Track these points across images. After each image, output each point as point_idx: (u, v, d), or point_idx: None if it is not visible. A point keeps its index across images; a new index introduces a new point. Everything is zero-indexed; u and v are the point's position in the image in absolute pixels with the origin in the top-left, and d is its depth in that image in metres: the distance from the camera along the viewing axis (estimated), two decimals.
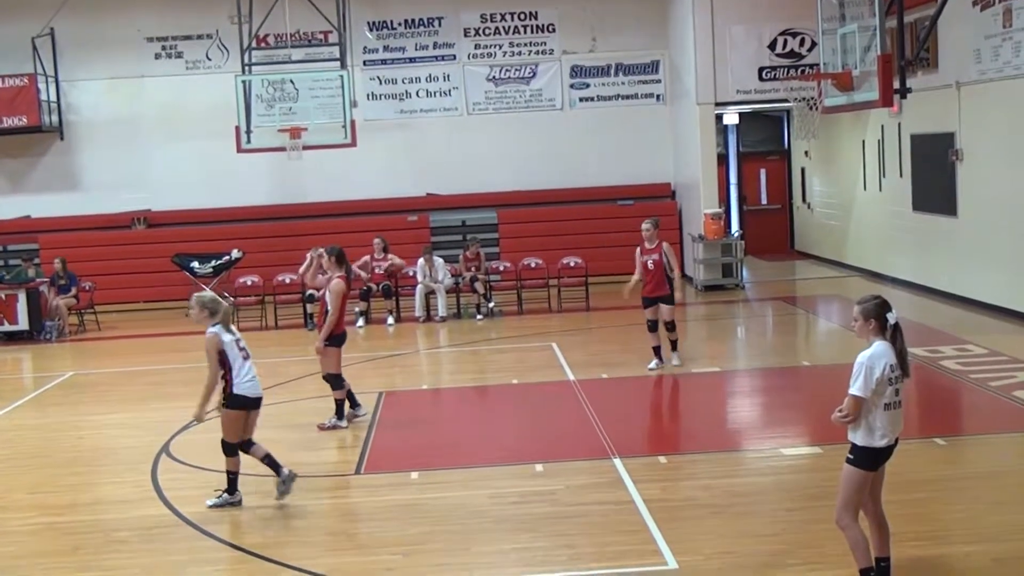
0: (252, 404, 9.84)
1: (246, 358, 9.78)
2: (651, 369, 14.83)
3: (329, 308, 12.33)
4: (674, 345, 14.96)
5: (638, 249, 14.78)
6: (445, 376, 16.49)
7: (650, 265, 14.60)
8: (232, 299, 21.41)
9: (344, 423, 12.53)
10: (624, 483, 9.94)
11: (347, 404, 12.69)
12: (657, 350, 14.90)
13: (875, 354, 7.06)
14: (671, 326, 14.79)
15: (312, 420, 12.73)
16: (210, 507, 9.81)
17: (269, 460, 9.97)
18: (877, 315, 7.12)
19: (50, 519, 9.91)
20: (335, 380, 12.54)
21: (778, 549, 8.20)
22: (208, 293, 10.19)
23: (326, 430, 12.44)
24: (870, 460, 7.10)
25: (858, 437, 7.10)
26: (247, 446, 9.96)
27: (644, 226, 14.75)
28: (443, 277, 20.50)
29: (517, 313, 20.82)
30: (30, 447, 12.67)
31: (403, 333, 19.54)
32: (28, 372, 18.50)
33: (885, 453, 7.14)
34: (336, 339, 12.46)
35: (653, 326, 14.83)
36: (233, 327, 9.95)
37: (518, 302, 21.25)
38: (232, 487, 9.92)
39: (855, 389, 7.02)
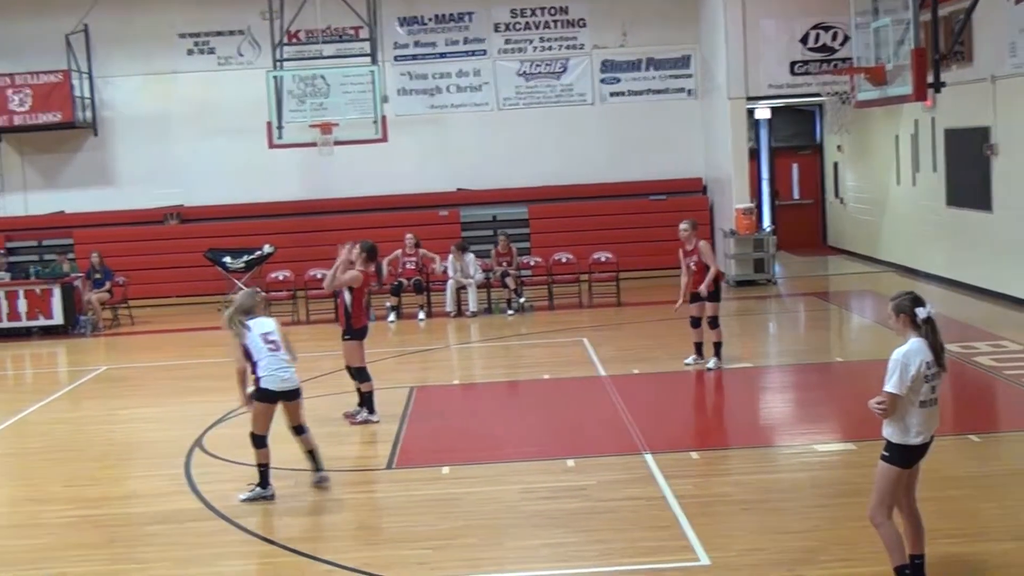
0: (277, 397, 9.81)
1: (273, 351, 9.76)
2: (687, 364, 14.77)
3: (348, 301, 12.37)
4: (716, 349, 14.63)
5: (680, 251, 14.71)
6: (476, 371, 16.50)
7: (692, 267, 14.54)
8: (264, 293, 21.49)
9: (375, 417, 12.54)
10: (655, 479, 9.92)
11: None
12: (698, 346, 14.82)
13: (910, 351, 7.00)
14: (713, 322, 14.56)
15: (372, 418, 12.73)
16: (242, 501, 9.84)
17: (312, 455, 9.98)
18: (907, 309, 7.05)
19: (84, 512, 9.98)
20: (359, 373, 12.53)
21: (811, 545, 8.16)
22: (243, 292, 10.32)
23: (357, 424, 12.46)
24: (905, 457, 7.05)
25: (893, 434, 7.05)
26: (299, 431, 9.99)
27: (681, 227, 14.65)
28: (474, 272, 20.50)
29: (548, 308, 20.81)
30: (65, 440, 12.76)
31: (434, 328, 19.56)
32: (63, 366, 18.65)
33: (920, 451, 7.08)
34: (357, 332, 12.46)
35: (695, 323, 14.75)
36: (264, 320, 9.96)
37: (549, 297, 21.22)
38: (264, 480, 9.93)
39: (890, 386, 6.96)
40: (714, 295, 14.53)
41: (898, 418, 7.00)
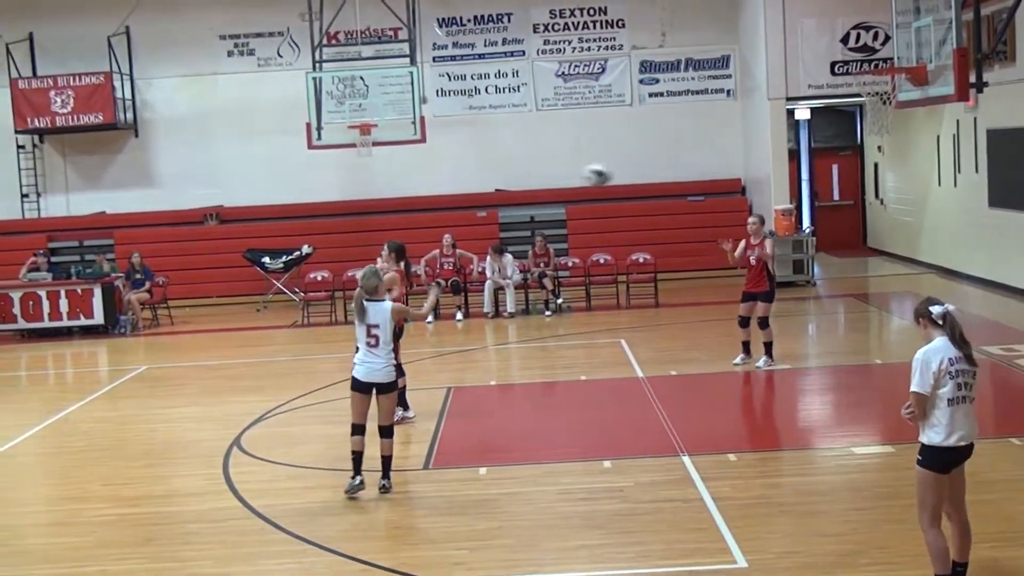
0: (355, 386, 9.89)
1: (372, 346, 9.82)
2: (735, 364, 14.70)
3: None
4: (767, 348, 14.55)
5: (743, 242, 14.55)
6: (513, 372, 16.49)
7: (752, 260, 14.40)
8: (302, 294, 21.61)
9: (412, 413, 12.56)
10: (693, 480, 9.88)
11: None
12: (746, 345, 14.75)
13: (931, 348, 6.97)
14: (764, 323, 14.47)
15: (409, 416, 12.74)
16: (382, 492, 9.91)
17: (357, 457, 9.95)
18: (924, 312, 7.08)
19: (124, 511, 10.05)
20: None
21: (849, 549, 8.10)
22: (367, 270, 10.24)
23: (396, 423, 12.44)
24: (938, 461, 6.95)
25: (924, 436, 7.00)
26: (355, 430, 9.97)
27: (750, 220, 14.59)
28: (512, 273, 20.50)
29: (585, 309, 20.78)
30: (104, 440, 12.86)
31: (471, 329, 19.58)
32: (103, 366, 18.80)
33: (954, 454, 6.96)
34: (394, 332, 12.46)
35: (744, 322, 14.68)
36: (382, 306, 9.94)
37: (586, 298, 21.20)
38: (385, 470, 10.02)
39: (914, 385, 6.94)
40: (768, 295, 14.45)
41: (929, 420, 6.95)
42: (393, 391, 10.11)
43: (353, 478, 9.91)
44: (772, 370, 14.45)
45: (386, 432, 10.03)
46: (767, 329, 14.52)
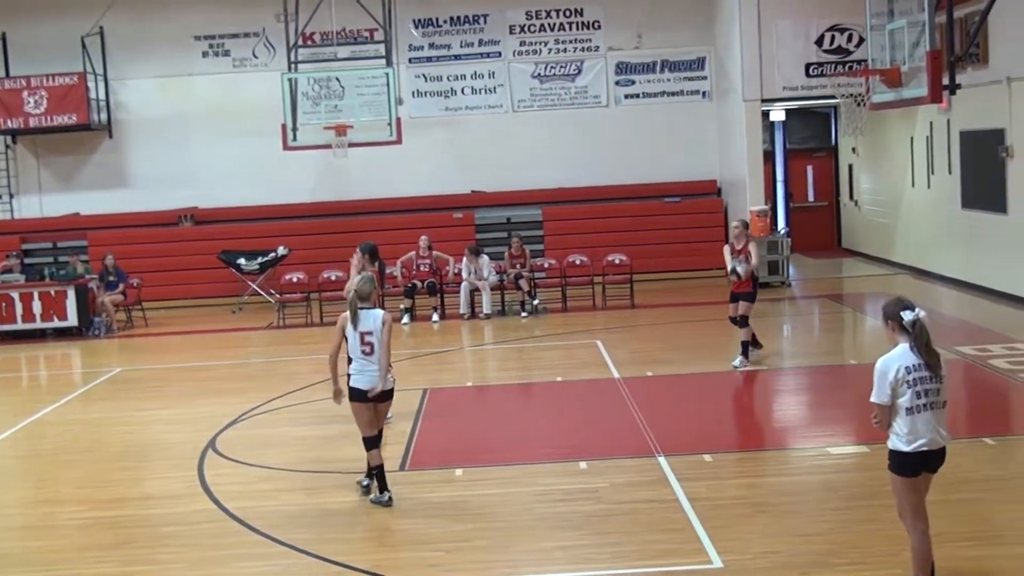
0: (363, 396, 9.64)
1: (367, 354, 9.56)
2: (735, 366, 14.74)
3: None
4: (743, 348, 14.72)
5: (727, 247, 14.70)
6: (489, 373, 16.49)
7: (742, 272, 14.50)
8: (278, 295, 21.55)
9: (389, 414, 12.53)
10: (669, 481, 9.90)
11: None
12: (744, 345, 14.89)
13: (889, 357, 6.91)
14: (743, 321, 14.65)
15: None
16: (372, 503, 9.71)
17: (379, 471, 9.77)
18: (893, 316, 6.96)
19: (98, 513, 10.00)
20: None
21: (824, 549, 8.13)
22: (363, 276, 10.08)
23: None
24: (901, 465, 6.93)
25: (890, 442, 7.00)
26: (370, 443, 9.77)
27: (733, 225, 14.82)
28: (488, 274, 20.50)
29: (562, 310, 20.79)
30: (79, 442, 12.80)
31: (448, 330, 19.57)
32: (77, 368, 18.70)
33: (920, 459, 6.90)
34: None
35: (732, 321, 14.90)
36: (374, 313, 9.75)
37: (563, 299, 21.20)
38: (381, 483, 9.73)
39: (872, 396, 6.94)
40: (750, 295, 14.63)
41: (892, 427, 6.94)
42: (391, 398, 10.00)
43: (382, 493, 9.70)
44: (747, 371, 14.51)
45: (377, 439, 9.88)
46: (746, 328, 14.65)
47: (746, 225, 14.76)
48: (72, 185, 24.88)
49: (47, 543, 9.29)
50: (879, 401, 6.89)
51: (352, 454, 11.17)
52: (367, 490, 9.93)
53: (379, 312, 9.79)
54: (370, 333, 9.63)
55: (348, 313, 9.66)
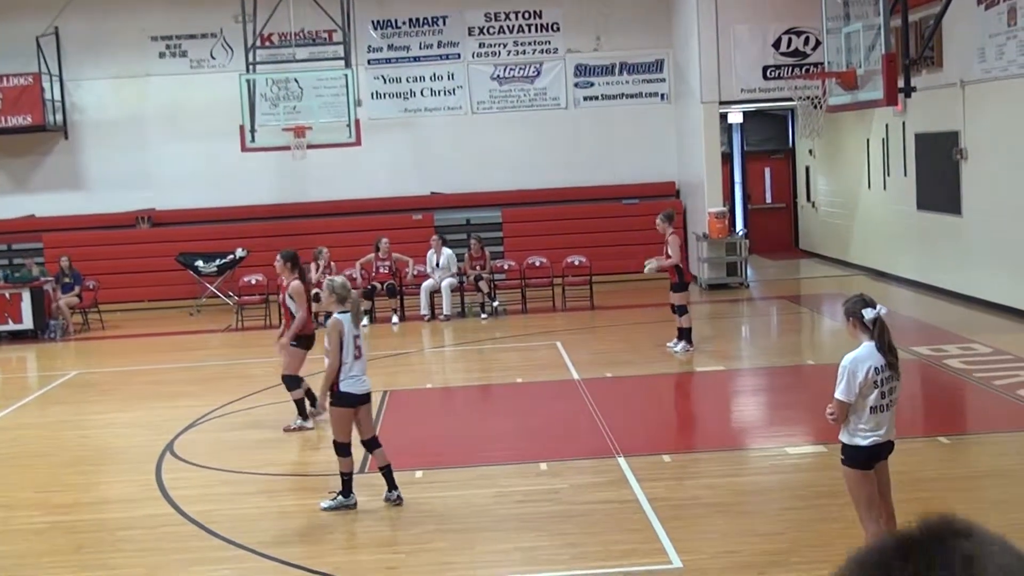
0: (358, 401, 9.54)
1: (357, 357, 9.49)
2: (669, 347, 15.79)
3: (295, 311, 12.35)
4: (681, 333, 15.71)
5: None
6: (449, 375, 16.49)
7: (663, 263, 15.61)
8: (236, 298, 21.44)
9: (310, 423, 12.42)
10: (628, 482, 9.93)
11: (307, 402, 12.49)
12: (680, 332, 15.81)
13: (858, 357, 6.98)
14: (675, 309, 15.71)
15: (320, 419, 12.67)
16: (324, 509, 9.51)
17: (387, 472, 9.68)
18: (855, 313, 7.04)
19: (54, 518, 9.91)
20: (291, 381, 12.42)
21: (783, 548, 8.19)
22: (339, 279, 9.92)
23: (292, 431, 12.34)
24: (856, 458, 7.03)
25: (843, 435, 7.08)
26: (372, 446, 9.71)
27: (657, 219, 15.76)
28: (447, 263, 20.41)
29: (521, 312, 20.80)
30: (34, 446, 12.68)
31: (408, 332, 19.54)
32: (32, 371, 18.52)
33: (875, 451, 7.04)
34: (303, 340, 12.45)
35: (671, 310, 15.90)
36: (360, 325, 9.71)
37: (522, 301, 21.22)
38: (347, 489, 9.56)
39: (839, 393, 6.98)
40: (675, 286, 15.56)
41: (850, 423, 7.02)
42: (370, 400, 9.87)
43: (390, 491, 9.59)
44: (706, 371, 14.60)
45: (377, 442, 9.81)
46: (685, 315, 15.62)
47: (669, 218, 15.35)
48: (27, 187, 24.62)
49: (3, 548, 9.19)
50: (846, 399, 6.95)
51: (311, 457, 11.16)
52: (400, 501, 9.60)
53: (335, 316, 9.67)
54: (359, 336, 9.60)
55: (341, 317, 9.51)
